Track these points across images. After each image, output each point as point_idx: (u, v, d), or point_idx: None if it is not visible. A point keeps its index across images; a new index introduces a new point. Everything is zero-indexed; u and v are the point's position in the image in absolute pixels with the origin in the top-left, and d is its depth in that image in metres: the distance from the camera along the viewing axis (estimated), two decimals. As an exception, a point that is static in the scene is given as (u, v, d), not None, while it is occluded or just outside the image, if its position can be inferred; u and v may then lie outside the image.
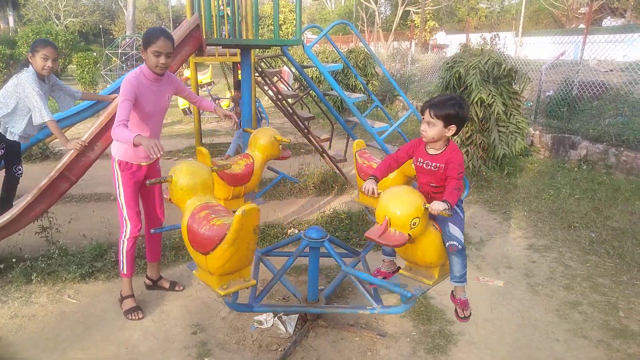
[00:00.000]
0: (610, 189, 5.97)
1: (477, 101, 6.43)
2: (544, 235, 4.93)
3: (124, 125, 2.95)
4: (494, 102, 6.39)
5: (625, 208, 5.38)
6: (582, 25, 24.70)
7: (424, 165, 2.66)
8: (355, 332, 3.27)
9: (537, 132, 8.12)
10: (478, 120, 6.63)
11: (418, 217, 2.31)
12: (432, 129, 2.54)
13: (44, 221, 4.13)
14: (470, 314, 2.89)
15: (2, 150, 3.91)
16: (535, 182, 6.52)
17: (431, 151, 2.64)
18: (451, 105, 2.51)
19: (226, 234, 2.25)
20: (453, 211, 2.56)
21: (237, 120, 3.59)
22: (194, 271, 2.68)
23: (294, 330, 3.27)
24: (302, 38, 4.22)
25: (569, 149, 7.48)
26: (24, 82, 3.58)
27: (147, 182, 2.72)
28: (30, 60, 3.66)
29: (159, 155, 2.78)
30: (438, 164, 2.59)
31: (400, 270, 2.78)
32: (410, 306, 2.92)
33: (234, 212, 2.33)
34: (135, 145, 2.90)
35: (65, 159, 3.63)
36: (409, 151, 2.76)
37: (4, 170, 4.11)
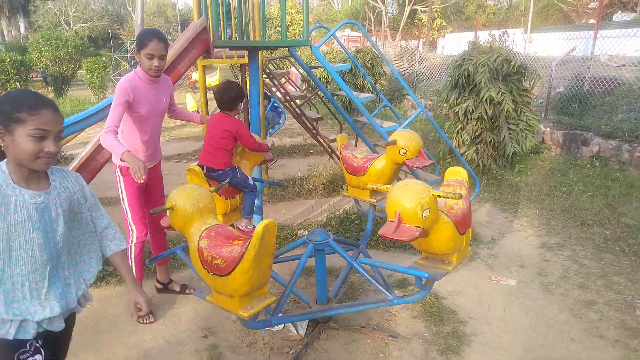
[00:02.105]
0: (624, 186, 5.88)
1: (486, 99, 6.37)
2: (557, 234, 4.87)
3: (113, 132, 2.94)
4: (503, 99, 6.32)
5: None
6: (592, 21, 24.48)
7: None
8: (367, 333, 3.25)
9: (548, 129, 8.02)
10: (488, 119, 6.57)
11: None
12: None
13: (55, 226, 4.15)
14: None
15: None
16: (546, 180, 6.45)
17: None
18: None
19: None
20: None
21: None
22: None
23: (306, 332, 3.25)
24: (310, 38, 4.20)
25: (580, 145, 7.39)
26: None
27: (151, 211, 2.50)
28: None
29: (141, 181, 2.75)
30: None
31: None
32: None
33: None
34: (122, 160, 2.90)
35: (75, 164, 3.65)
36: None
37: None
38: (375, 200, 3.52)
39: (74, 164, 3.70)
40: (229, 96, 3.26)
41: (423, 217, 2.27)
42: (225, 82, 3.36)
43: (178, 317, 3.47)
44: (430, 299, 3.64)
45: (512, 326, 3.33)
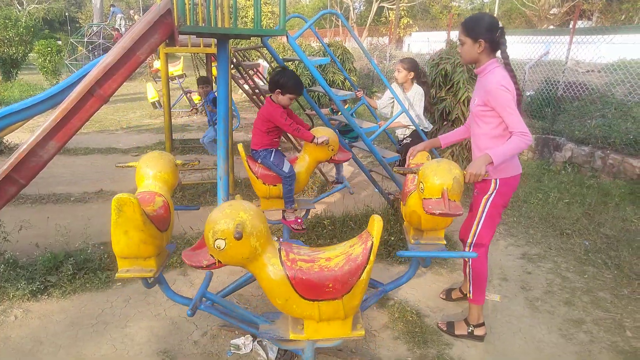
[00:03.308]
0: (599, 194, 5.78)
1: (464, 100, 6.15)
2: (537, 243, 4.69)
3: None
4: (481, 101, 6.11)
5: (616, 214, 5.19)
6: (551, 27, 24.98)
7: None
8: (344, 357, 2.93)
9: (520, 132, 7.91)
10: (464, 120, 6.36)
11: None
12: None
13: (-10, 229, 3.64)
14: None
15: None
16: (521, 185, 6.29)
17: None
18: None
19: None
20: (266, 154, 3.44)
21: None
22: None
23: (276, 356, 2.91)
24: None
25: (553, 150, 7.30)
26: None
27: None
28: None
29: None
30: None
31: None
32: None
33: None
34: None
35: (12, 159, 3.16)
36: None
37: None
38: (413, 241, 2.69)
39: (12, 159, 3.21)
40: (272, 78, 3.39)
41: (215, 246, 1.93)
42: (279, 66, 3.67)
43: (130, 337, 3.05)
44: (412, 317, 3.35)
45: (501, 349, 3.08)
